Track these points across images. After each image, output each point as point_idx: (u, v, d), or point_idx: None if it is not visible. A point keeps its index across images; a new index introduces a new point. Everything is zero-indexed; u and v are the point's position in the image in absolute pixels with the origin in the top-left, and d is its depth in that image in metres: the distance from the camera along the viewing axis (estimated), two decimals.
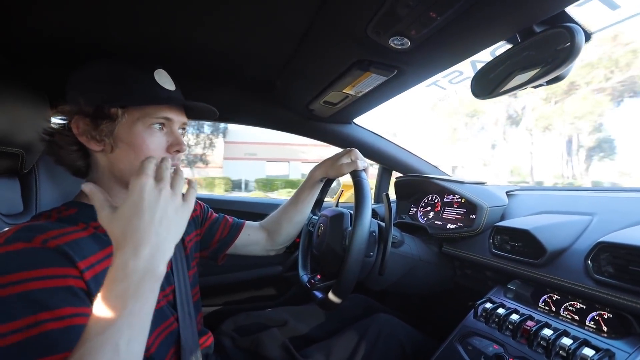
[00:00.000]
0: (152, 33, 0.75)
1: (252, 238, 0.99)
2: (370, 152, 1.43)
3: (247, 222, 1.00)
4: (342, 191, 1.30)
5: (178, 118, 0.66)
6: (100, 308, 0.40)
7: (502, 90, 0.75)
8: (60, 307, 0.45)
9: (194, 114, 0.73)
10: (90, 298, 0.49)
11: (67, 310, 0.46)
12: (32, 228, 0.50)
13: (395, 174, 1.57)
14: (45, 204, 0.82)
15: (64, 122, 0.63)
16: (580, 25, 0.57)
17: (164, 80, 0.65)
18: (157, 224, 0.45)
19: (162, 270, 0.45)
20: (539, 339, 0.66)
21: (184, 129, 0.70)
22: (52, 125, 0.64)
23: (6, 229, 0.50)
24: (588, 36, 0.61)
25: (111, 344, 0.39)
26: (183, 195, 0.51)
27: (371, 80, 0.89)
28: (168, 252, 0.46)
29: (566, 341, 0.62)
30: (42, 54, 0.82)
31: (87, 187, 0.49)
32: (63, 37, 0.75)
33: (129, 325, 0.40)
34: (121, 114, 0.60)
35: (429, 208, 1.28)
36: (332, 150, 1.24)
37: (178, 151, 0.65)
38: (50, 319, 0.44)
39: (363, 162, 0.83)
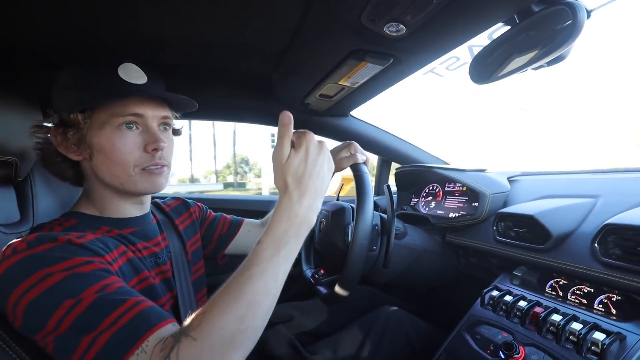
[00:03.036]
0: (141, 30, 0.73)
1: (252, 235, 0.97)
2: (369, 144, 1.42)
3: (247, 220, 0.99)
4: (343, 185, 1.29)
5: (153, 112, 0.61)
6: (267, 239, 0.47)
7: (501, 74, 0.73)
8: (104, 277, 0.47)
9: (175, 108, 0.68)
10: None
11: (113, 278, 0.48)
12: (48, 234, 0.50)
13: (395, 165, 1.56)
14: (43, 212, 0.80)
15: (47, 135, 0.61)
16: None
17: (131, 74, 0.60)
18: (315, 177, 0.50)
19: (314, 220, 0.51)
20: (548, 325, 0.65)
21: (166, 124, 0.65)
22: (37, 140, 0.62)
23: (12, 241, 0.49)
24: (588, 13, 0.59)
25: (273, 270, 0.46)
26: None
27: (367, 70, 0.87)
28: (319, 207, 0.52)
29: (576, 326, 0.61)
30: (32, 59, 0.80)
31: (287, 118, 0.51)
32: (53, 42, 0.73)
33: (285, 258, 0.47)
34: (82, 119, 0.57)
35: (430, 198, 1.27)
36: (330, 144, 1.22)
37: (155, 149, 0.60)
38: (101, 287, 0.45)
39: (362, 154, 0.81)
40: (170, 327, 0.44)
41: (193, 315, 0.43)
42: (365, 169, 0.78)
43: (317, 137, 0.54)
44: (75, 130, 0.58)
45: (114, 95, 0.58)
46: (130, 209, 0.66)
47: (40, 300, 0.43)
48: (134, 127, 0.59)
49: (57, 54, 0.78)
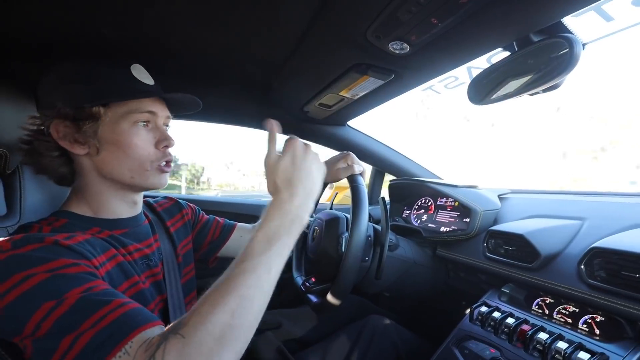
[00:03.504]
0: (142, 30, 0.73)
1: (244, 240, 0.96)
2: (364, 155, 1.43)
3: (239, 224, 0.98)
4: (337, 193, 1.30)
5: (162, 112, 0.65)
6: (260, 236, 0.48)
7: (496, 96, 0.76)
8: (89, 280, 0.45)
9: (177, 108, 0.71)
10: None
11: (98, 282, 0.46)
12: (36, 235, 0.48)
13: (388, 176, 1.58)
14: (30, 206, 0.78)
15: (41, 127, 0.60)
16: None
17: (142, 75, 0.63)
18: (304, 178, 0.53)
19: (307, 218, 0.52)
20: (534, 343, 0.67)
21: (167, 124, 0.68)
22: (29, 133, 0.60)
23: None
24: (583, 46, 0.62)
25: (266, 265, 0.46)
26: None
27: (368, 84, 0.88)
28: (312, 204, 0.54)
29: (562, 345, 0.63)
30: (26, 50, 0.78)
31: (270, 125, 0.56)
32: (49, 33, 0.72)
33: (278, 255, 0.48)
34: (104, 113, 0.58)
35: (423, 211, 1.29)
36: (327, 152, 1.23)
37: (167, 146, 0.64)
38: (85, 289, 0.43)
39: (359, 166, 0.82)
40: (157, 329, 0.42)
41: (183, 315, 0.42)
42: (361, 180, 0.79)
43: (307, 143, 0.58)
44: (92, 123, 0.57)
45: (135, 93, 0.60)
46: (125, 209, 0.65)
47: (18, 303, 0.41)
48: (146, 125, 0.62)
49: (53, 47, 0.77)
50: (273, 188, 0.54)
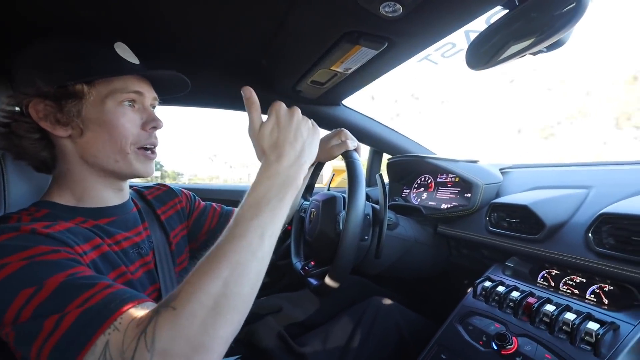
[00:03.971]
0: (122, 7, 0.68)
1: None
2: (361, 134, 1.39)
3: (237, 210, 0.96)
4: (334, 175, 1.27)
5: (149, 93, 0.62)
6: (249, 200, 0.46)
7: (499, 59, 0.71)
8: (72, 266, 0.43)
9: (165, 90, 0.68)
10: None
11: (82, 268, 0.44)
12: (10, 225, 0.46)
13: (387, 157, 1.54)
14: (15, 199, 0.75)
15: (18, 108, 0.56)
16: None
17: (126, 53, 0.61)
18: (292, 139, 0.51)
19: (300, 180, 0.50)
20: (541, 315, 0.64)
21: (154, 106, 0.66)
22: (5, 114, 0.56)
23: None
24: None
25: (257, 232, 0.43)
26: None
27: (360, 55, 0.84)
28: (305, 165, 0.51)
29: (569, 316, 0.60)
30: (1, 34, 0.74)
31: (248, 91, 0.53)
32: (23, 14, 0.67)
33: (271, 218, 0.45)
34: (87, 91, 0.55)
35: (422, 189, 1.26)
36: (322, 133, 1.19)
37: (154, 128, 0.62)
38: (68, 275, 0.41)
39: (353, 141, 0.79)
40: (147, 305, 0.40)
41: (175, 289, 0.40)
42: (356, 155, 0.75)
43: (294, 107, 0.55)
44: (75, 102, 0.54)
45: (121, 70, 0.58)
46: (110, 196, 0.62)
47: None
48: (132, 105, 0.60)
49: (28, 29, 0.72)
50: (261, 154, 0.52)
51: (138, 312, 0.38)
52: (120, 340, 0.36)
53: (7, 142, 0.57)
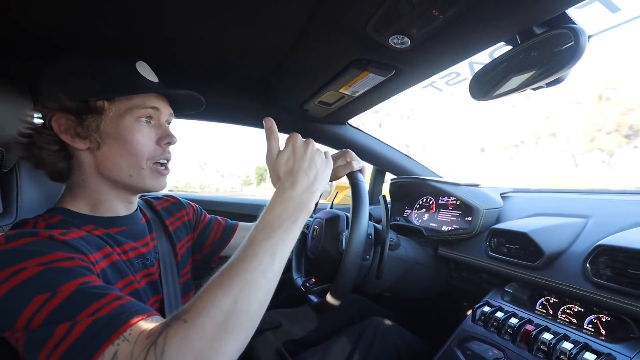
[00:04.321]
0: (141, 26, 0.72)
1: None
2: (364, 154, 1.42)
3: (241, 224, 0.97)
4: (337, 193, 1.29)
5: (165, 109, 0.65)
6: (263, 222, 0.48)
7: (500, 92, 0.74)
8: (85, 275, 0.45)
9: (180, 107, 0.71)
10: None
11: (94, 277, 0.46)
12: (30, 230, 0.48)
13: (389, 176, 1.56)
14: (27, 205, 0.77)
15: (42, 120, 0.59)
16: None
17: (147, 72, 0.64)
18: (306, 168, 0.54)
19: (311, 206, 0.53)
20: (539, 344, 0.65)
21: (169, 122, 0.68)
22: (29, 126, 0.60)
23: None
24: (588, 39, 0.61)
25: (269, 251, 0.45)
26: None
27: (368, 81, 0.87)
28: (316, 192, 0.54)
29: (567, 345, 0.61)
30: (23, 46, 0.78)
31: (269, 122, 0.58)
32: (46, 30, 0.71)
33: (282, 240, 0.47)
34: (107, 107, 0.57)
35: (424, 210, 1.27)
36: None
37: (169, 143, 0.64)
38: (81, 283, 0.43)
39: (359, 162, 0.81)
40: (157, 318, 0.42)
41: (187, 303, 0.41)
42: (361, 176, 0.77)
43: (309, 139, 0.59)
44: (95, 117, 0.57)
45: (141, 88, 0.60)
46: (120, 207, 0.65)
47: (10, 297, 0.40)
48: (149, 121, 0.62)
49: (52, 45, 0.76)
50: (276, 180, 0.55)
51: (148, 324, 0.40)
52: (129, 350, 0.37)
53: (27, 152, 0.59)
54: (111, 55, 0.61)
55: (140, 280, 0.61)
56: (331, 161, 0.60)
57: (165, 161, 0.65)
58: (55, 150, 0.59)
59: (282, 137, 0.58)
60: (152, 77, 0.64)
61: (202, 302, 0.40)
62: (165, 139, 0.63)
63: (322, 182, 0.56)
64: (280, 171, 0.54)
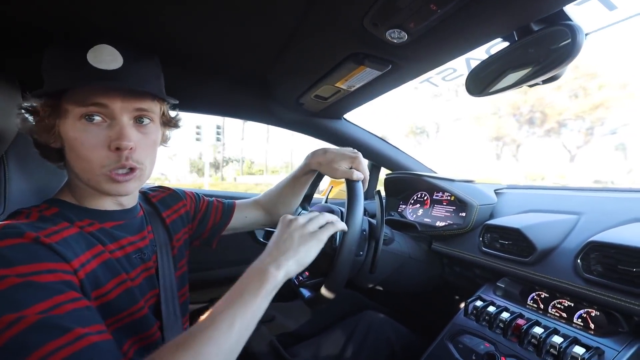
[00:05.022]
0: (138, 17, 0.70)
1: (249, 219, 0.94)
2: (360, 148, 1.40)
3: (238, 202, 0.94)
4: (332, 187, 1.29)
5: (123, 103, 0.53)
6: (227, 293, 0.50)
7: (496, 88, 0.74)
8: (60, 293, 0.43)
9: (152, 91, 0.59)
10: (84, 292, 0.47)
11: (67, 296, 0.43)
12: (18, 226, 0.46)
13: (384, 171, 1.56)
14: (16, 197, 0.76)
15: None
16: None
17: (102, 58, 0.53)
18: (278, 241, 0.58)
19: (275, 274, 0.52)
20: (529, 337, 0.66)
21: (143, 116, 0.57)
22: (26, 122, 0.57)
23: None
24: (585, 36, 0.61)
25: (227, 322, 0.45)
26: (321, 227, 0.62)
27: (364, 75, 0.86)
28: (286, 265, 0.54)
29: (557, 339, 0.62)
30: (11, 37, 0.75)
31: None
32: (37, 22, 0.69)
33: (242, 312, 0.47)
34: (41, 107, 0.53)
35: (418, 205, 1.28)
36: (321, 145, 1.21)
37: (118, 149, 0.52)
38: (49, 307, 0.41)
39: (360, 174, 0.76)
40: None
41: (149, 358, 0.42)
42: (360, 185, 0.75)
43: (312, 228, 0.62)
44: (52, 117, 0.54)
45: (74, 82, 0.52)
46: (110, 204, 0.62)
47: None
48: (100, 120, 0.53)
49: (42, 37, 0.74)
50: (265, 251, 0.58)
51: None
52: None
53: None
54: (70, 44, 0.54)
55: (136, 277, 0.59)
56: (319, 239, 0.60)
57: (122, 170, 0.54)
58: (44, 147, 0.57)
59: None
60: (108, 64, 0.53)
61: None
62: (115, 142, 0.52)
63: (297, 256, 0.56)
64: (271, 246, 0.58)
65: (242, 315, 0.46)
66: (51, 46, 0.56)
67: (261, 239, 1.40)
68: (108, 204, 0.61)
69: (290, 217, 0.61)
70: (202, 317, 0.46)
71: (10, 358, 0.37)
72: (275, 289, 0.52)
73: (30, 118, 0.55)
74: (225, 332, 0.44)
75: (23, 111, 0.56)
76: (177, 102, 0.64)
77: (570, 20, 0.59)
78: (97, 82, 0.52)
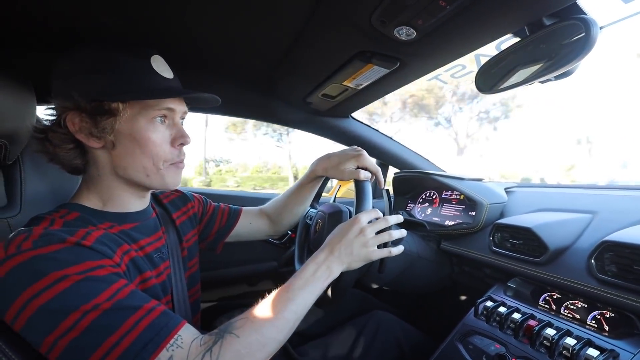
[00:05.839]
0: (146, 17, 0.71)
1: (253, 226, 0.96)
2: (367, 147, 1.41)
3: (245, 209, 0.97)
4: (340, 186, 1.28)
5: (180, 108, 0.62)
6: (301, 275, 0.60)
7: (507, 85, 0.73)
8: (117, 281, 0.48)
9: (195, 103, 0.69)
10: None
11: (123, 282, 0.49)
12: (56, 232, 0.48)
13: (392, 169, 1.55)
14: (31, 197, 0.77)
15: (55, 117, 0.57)
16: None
17: (162, 67, 0.60)
18: (344, 249, 0.65)
19: (336, 273, 0.64)
20: (541, 339, 0.65)
21: (183, 118, 0.67)
22: (44, 122, 0.58)
23: (13, 236, 0.47)
24: (599, 29, 0.59)
25: (303, 298, 0.58)
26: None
27: (372, 73, 0.86)
28: (342, 267, 0.65)
29: (570, 341, 0.61)
30: (25, 38, 0.77)
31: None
32: (49, 21, 0.70)
33: (311, 292, 0.59)
34: (122, 109, 0.55)
35: (427, 204, 1.27)
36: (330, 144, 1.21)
37: (182, 144, 0.63)
38: (113, 294, 0.46)
39: (367, 173, 0.76)
40: (190, 327, 0.50)
41: (235, 319, 0.52)
42: (368, 184, 0.75)
43: (357, 230, 0.67)
44: (110, 118, 0.55)
45: (159, 92, 0.59)
46: (135, 203, 0.64)
47: (55, 303, 0.42)
48: (163, 121, 0.61)
49: (55, 36, 0.75)
50: (324, 244, 0.67)
51: (192, 332, 0.49)
52: (184, 356, 0.45)
53: (43, 148, 0.58)
54: (125, 49, 0.58)
55: (160, 275, 0.62)
56: (369, 242, 0.66)
57: (181, 162, 0.64)
58: (70, 148, 0.57)
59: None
60: (167, 73, 0.61)
61: (254, 325, 0.51)
62: (179, 139, 0.62)
63: (351, 264, 0.65)
64: (330, 238, 0.67)
65: (310, 295, 0.59)
66: (98, 46, 0.58)
67: (270, 239, 1.40)
68: (132, 203, 0.64)
69: (357, 225, 0.66)
70: (284, 287, 0.58)
71: (97, 337, 0.43)
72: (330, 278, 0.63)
73: (74, 122, 0.56)
74: (302, 306, 0.57)
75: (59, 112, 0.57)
76: (219, 103, 0.72)
77: (584, 13, 0.57)
78: (171, 93, 0.61)
